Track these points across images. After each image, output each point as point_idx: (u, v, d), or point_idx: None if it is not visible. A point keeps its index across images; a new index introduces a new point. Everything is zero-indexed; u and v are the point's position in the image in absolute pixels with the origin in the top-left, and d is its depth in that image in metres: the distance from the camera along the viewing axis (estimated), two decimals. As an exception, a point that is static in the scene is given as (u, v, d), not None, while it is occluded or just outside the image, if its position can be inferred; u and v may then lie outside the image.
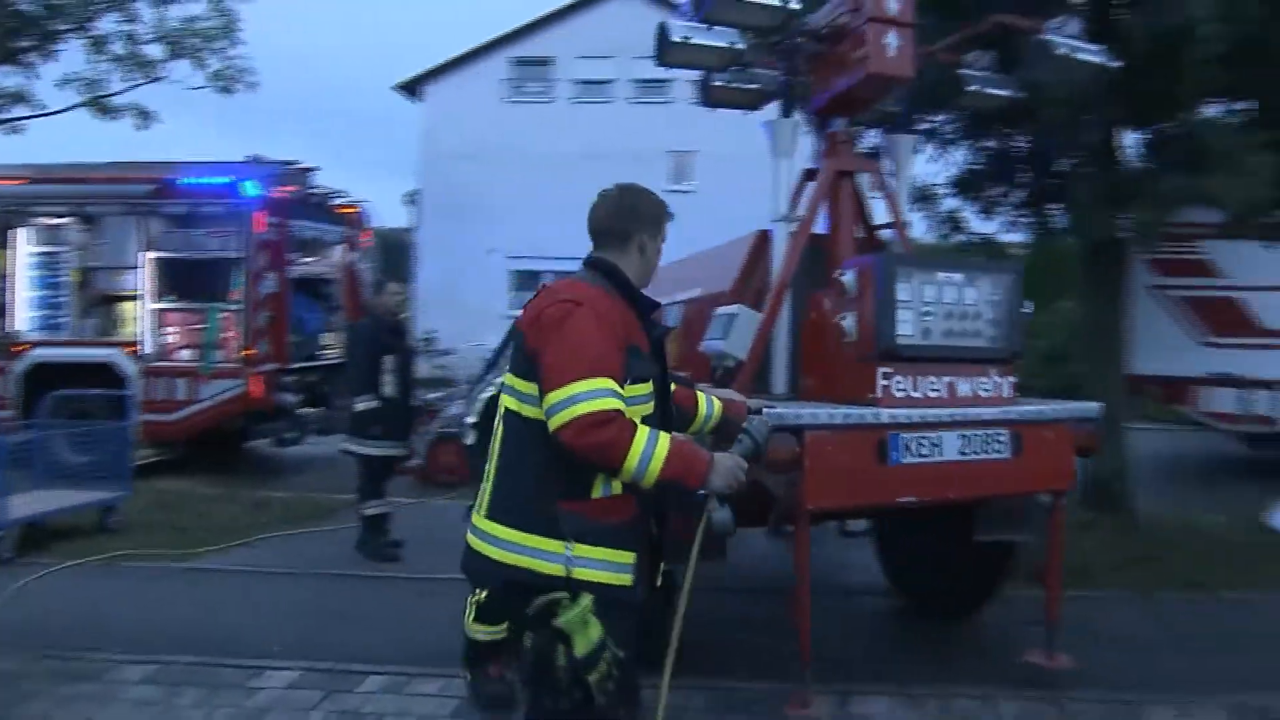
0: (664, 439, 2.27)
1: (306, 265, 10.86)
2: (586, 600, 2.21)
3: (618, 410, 2.20)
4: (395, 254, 19.91)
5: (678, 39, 4.10)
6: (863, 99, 4.52)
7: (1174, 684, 4.34)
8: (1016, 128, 7.98)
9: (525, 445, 2.34)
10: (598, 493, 2.30)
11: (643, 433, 2.24)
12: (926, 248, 9.46)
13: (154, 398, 9.55)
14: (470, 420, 4.02)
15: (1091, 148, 7.26)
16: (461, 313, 19.74)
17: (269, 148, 9.85)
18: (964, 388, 3.81)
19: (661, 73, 25.85)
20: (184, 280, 9.95)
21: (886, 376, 3.66)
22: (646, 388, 2.40)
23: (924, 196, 9.88)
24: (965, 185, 9.41)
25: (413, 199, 24.76)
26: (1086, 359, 8.23)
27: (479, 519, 2.39)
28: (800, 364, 4.32)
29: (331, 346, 11.26)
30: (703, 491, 2.36)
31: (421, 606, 5.78)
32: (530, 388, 2.31)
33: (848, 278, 3.83)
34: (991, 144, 8.87)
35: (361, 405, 6.66)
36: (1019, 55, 5.20)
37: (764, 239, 4.66)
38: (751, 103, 5.15)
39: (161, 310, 9.96)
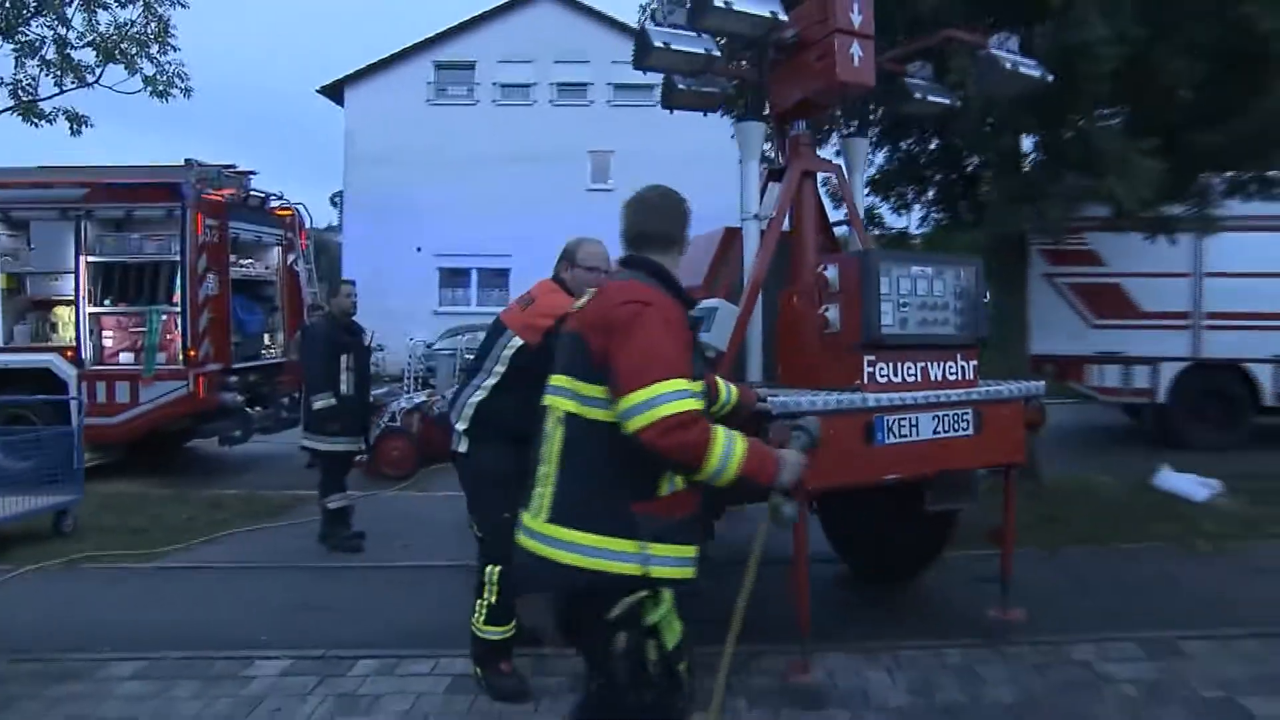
0: (739, 438, 2.24)
1: (246, 267, 10.46)
2: (669, 595, 2.17)
3: (699, 410, 2.16)
4: (322, 254, 19.31)
5: (659, 44, 4.10)
6: (823, 104, 4.64)
7: (1088, 626, 4.62)
8: (934, 132, 8.28)
9: (591, 448, 2.24)
10: (664, 490, 2.22)
11: (720, 432, 2.20)
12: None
13: (95, 401, 9.03)
14: (461, 428, 3.90)
15: (1004, 151, 7.62)
16: (390, 310, 19.34)
17: (193, 152, 9.38)
18: (935, 372, 3.95)
19: (581, 76, 26.00)
20: (123, 284, 9.48)
21: (871, 364, 3.76)
22: (701, 384, 2.36)
23: (840, 195, 10.19)
24: (881, 184, 9.73)
25: (338, 200, 24.09)
26: (993, 341, 8.62)
27: (538, 523, 2.25)
28: (778, 353, 4.41)
29: (272, 346, 10.96)
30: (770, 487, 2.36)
31: (394, 593, 5.69)
32: (595, 390, 2.22)
33: (830, 272, 3.90)
34: (906, 146, 9.20)
35: (319, 403, 6.52)
36: (950, 66, 5.42)
37: (731, 235, 4.72)
38: (710, 105, 5.20)
39: (101, 314, 9.46)
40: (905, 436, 3.75)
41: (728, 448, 2.18)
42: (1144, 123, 7.11)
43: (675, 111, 5.17)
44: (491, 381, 3.78)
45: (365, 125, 22.97)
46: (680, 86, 4.90)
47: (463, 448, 3.86)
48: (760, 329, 4.41)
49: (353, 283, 7.21)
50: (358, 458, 7.51)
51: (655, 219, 2.49)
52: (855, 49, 4.13)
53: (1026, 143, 7.95)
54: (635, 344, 2.16)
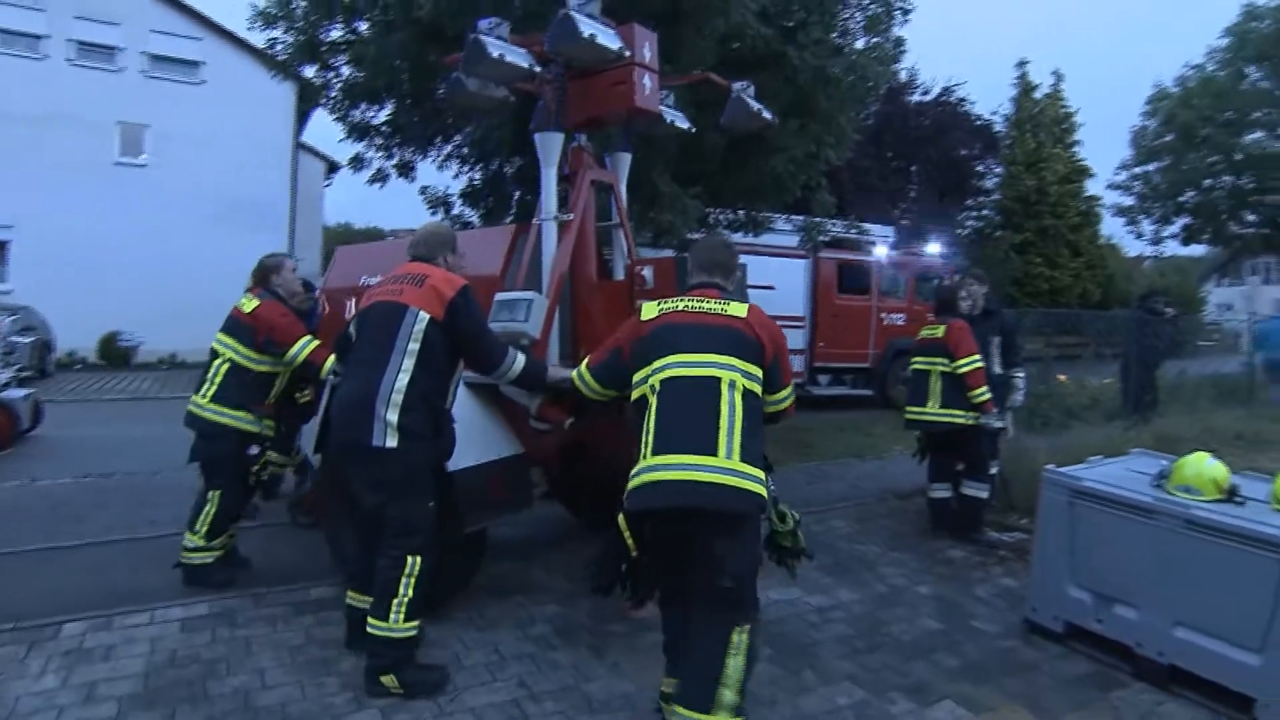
0: None
1: None
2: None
3: None
4: None
5: (494, 54, 3.31)
6: (608, 123, 4.22)
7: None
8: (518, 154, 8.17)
9: (755, 411, 2.47)
10: None
11: None
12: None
13: None
14: (393, 418, 2.72)
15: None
16: None
17: None
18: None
19: (110, 38, 19.51)
20: None
21: (682, 349, 3.62)
22: None
23: (441, 202, 9.48)
24: (471, 196, 9.36)
25: None
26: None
27: (732, 464, 2.33)
28: (579, 339, 3.98)
29: None
30: None
31: (40, 574, 4.13)
32: (758, 373, 2.50)
33: (647, 272, 3.63)
34: (495, 166, 8.96)
35: None
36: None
37: (519, 232, 4.10)
38: (491, 110, 4.45)
39: None
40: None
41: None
42: (690, 174, 8.13)
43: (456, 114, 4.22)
44: (410, 362, 2.84)
45: None
46: (469, 88, 4.05)
47: (392, 442, 2.75)
48: (558, 318, 3.92)
49: None
50: None
51: (725, 255, 2.79)
52: (646, 80, 3.85)
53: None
54: (786, 354, 2.62)
